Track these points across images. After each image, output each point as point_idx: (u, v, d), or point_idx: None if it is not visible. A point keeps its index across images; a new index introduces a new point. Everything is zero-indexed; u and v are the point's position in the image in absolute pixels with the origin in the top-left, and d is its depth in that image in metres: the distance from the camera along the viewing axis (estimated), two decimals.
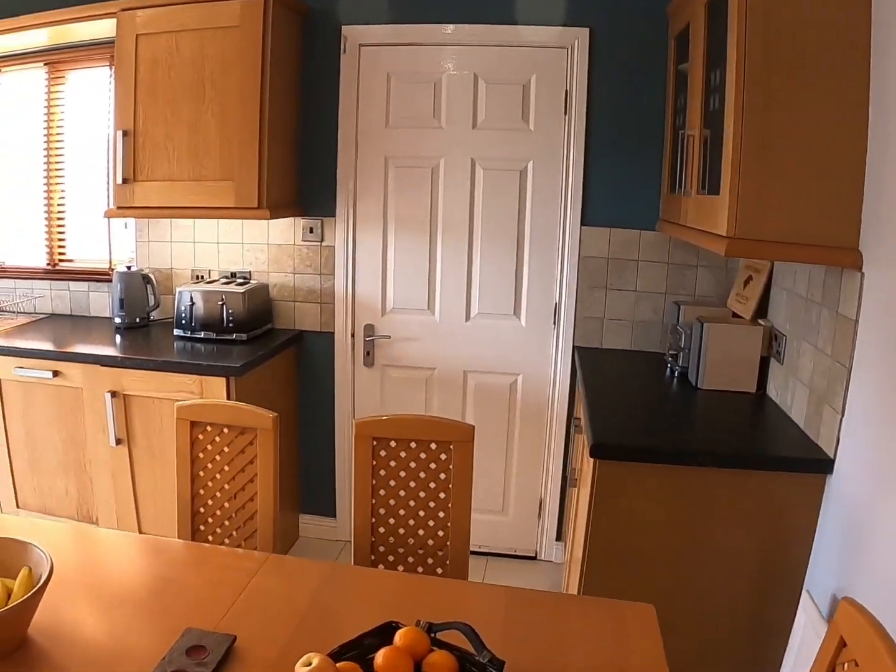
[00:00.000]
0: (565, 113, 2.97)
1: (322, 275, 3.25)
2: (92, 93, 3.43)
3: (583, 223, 3.02)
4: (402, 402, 3.27)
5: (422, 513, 2.01)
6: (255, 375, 2.92)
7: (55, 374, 2.95)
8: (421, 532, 2.02)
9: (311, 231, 3.22)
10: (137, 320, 3.31)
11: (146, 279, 3.29)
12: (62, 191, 3.61)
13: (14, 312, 3.61)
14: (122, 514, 3.01)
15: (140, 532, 3.03)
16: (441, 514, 2.00)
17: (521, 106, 3.00)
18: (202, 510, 2.10)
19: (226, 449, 2.09)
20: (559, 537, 3.31)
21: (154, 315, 3.38)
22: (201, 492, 2.10)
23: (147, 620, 1.52)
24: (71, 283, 3.57)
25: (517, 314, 3.17)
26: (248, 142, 2.77)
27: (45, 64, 3.56)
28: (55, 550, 1.56)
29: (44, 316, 3.59)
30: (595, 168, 2.98)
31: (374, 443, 2.01)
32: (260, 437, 2.05)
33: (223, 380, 2.77)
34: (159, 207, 2.95)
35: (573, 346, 3.12)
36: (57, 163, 3.59)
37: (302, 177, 3.19)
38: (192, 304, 3.10)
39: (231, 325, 3.11)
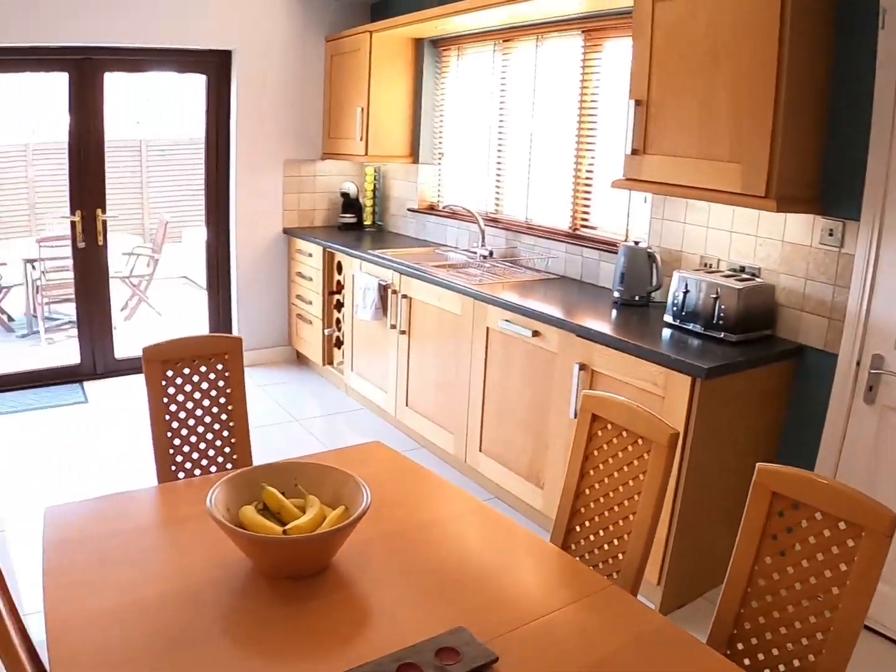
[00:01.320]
0: None
1: (836, 286, 2.70)
2: (625, 62, 3.39)
3: None
4: None
5: None
6: (730, 383, 2.60)
7: (535, 333, 3.08)
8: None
9: (831, 234, 2.68)
10: (636, 298, 3.23)
11: (651, 257, 3.19)
12: (591, 157, 3.71)
13: (528, 269, 3.90)
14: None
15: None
16: None
17: None
18: (582, 510, 1.96)
19: (620, 454, 1.90)
20: None
21: (655, 296, 3.27)
22: (586, 491, 1.96)
23: (435, 599, 1.50)
24: (585, 249, 3.68)
25: None
26: (759, 122, 2.40)
27: (581, 31, 3.66)
28: (432, 502, 1.63)
29: (553, 277, 3.79)
30: None
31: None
32: (654, 452, 1.80)
33: (688, 379, 2.52)
34: (663, 183, 2.79)
35: None
36: (588, 130, 3.70)
37: (825, 170, 2.66)
38: (686, 291, 2.89)
39: (721, 321, 2.81)
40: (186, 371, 2.22)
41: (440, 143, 4.89)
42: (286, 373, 5.25)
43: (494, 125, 4.38)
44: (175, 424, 2.20)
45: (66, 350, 5.89)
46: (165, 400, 2.18)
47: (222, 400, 2.26)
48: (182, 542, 1.72)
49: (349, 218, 5.28)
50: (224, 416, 2.26)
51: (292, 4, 4.96)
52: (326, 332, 4.83)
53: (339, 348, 4.82)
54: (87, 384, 4.90)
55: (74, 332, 5.95)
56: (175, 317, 7.17)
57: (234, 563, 1.56)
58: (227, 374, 2.27)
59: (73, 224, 4.68)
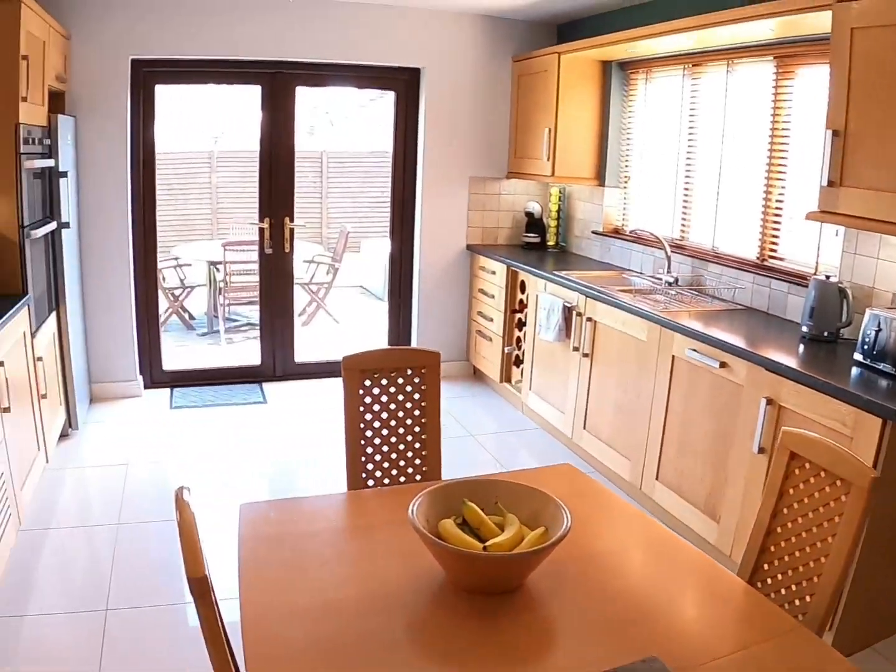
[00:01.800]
0: None
1: None
2: (819, 90, 3.28)
3: None
4: None
5: None
6: None
7: (722, 364, 3.05)
8: None
9: None
10: (825, 334, 3.12)
11: (842, 293, 3.06)
12: (782, 187, 3.60)
13: (714, 298, 3.84)
14: (744, 523, 2.97)
15: (730, 551, 2.99)
16: None
17: None
18: (772, 549, 1.95)
19: (816, 494, 1.87)
20: None
21: (844, 333, 3.14)
22: (778, 529, 1.94)
23: (625, 627, 1.54)
24: (773, 280, 3.57)
25: None
26: None
27: (773, 58, 3.56)
28: (617, 532, 1.70)
29: (740, 307, 3.70)
30: None
31: None
32: (852, 495, 1.76)
33: (879, 421, 2.42)
34: (860, 217, 2.68)
35: None
36: (779, 158, 3.60)
37: None
38: (879, 330, 2.76)
39: None
40: (384, 382, 2.34)
41: (626, 166, 4.91)
42: (463, 387, 5.45)
43: (683, 150, 4.35)
44: (369, 433, 2.32)
45: (244, 351, 6.41)
46: (361, 409, 2.31)
47: (416, 412, 2.37)
48: (374, 548, 1.82)
49: (532, 237, 5.41)
50: (417, 429, 2.37)
51: (480, 24, 5.17)
52: (506, 350, 4.99)
53: (518, 367, 4.95)
54: (266, 385, 5.30)
55: (253, 333, 6.43)
56: (351, 325, 7.61)
57: (427, 573, 1.64)
58: (423, 387, 2.38)
59: (261, 231, 5.12)
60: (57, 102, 4.26)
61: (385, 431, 2.35)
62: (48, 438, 3.70)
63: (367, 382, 2.32)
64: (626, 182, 4.93)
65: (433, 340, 5.50)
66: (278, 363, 5.38)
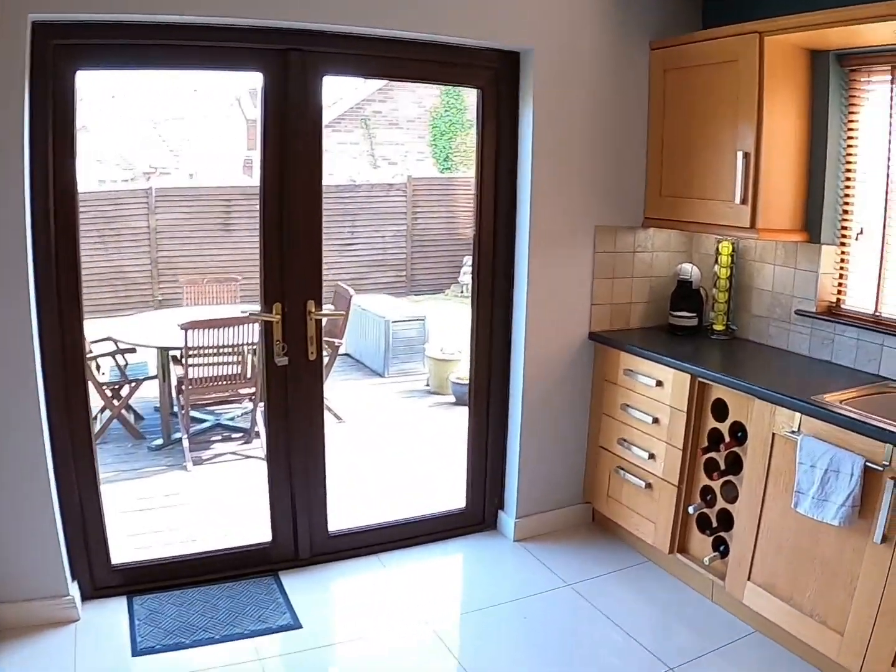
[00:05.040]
0: None
1: None
2: None
3: None
4: None
5: None
6: None
7: None
8: None
9: None
10: None
11: None
12: None
13: None
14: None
15: None
16: None
17: None
18: None
19: None
20: None
21: None
22: None
23: None
24: None
25: None
26: None
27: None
28: None
29: None
30: None
31: None
32: None
33: None
34: None
35: None
36: None
37: None
38: None
39: None
40: None
41: (847, 211, 3.16)
42: (583, 548, 3.55)
43: None
44: None
45: (222, 480, 4.42)
46: None
47: None
48: None
49: (687, 318, 3.58)
50: None
51: None
52: (691, 509, 3.10)
53: (708, 534, 3.09)
54: (287, 580, 3.19)
55: (232, 443, 4.47)
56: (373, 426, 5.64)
57: None
58: None
59: (266, 327, 3.11)
60: None
61: None
62: None
63: None
64: (844, 236, 3.18)
65: (537, 475, 3.59)
66: (302, 536, 3.29)
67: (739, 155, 3.04)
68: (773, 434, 2.72)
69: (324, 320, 3.25)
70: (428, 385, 6.55)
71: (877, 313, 3.04)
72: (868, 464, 2.37)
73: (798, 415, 2.62)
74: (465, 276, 10.85)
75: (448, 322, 8.37)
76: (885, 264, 3.02)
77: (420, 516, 3.60)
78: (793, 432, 2.63)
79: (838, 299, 3.24)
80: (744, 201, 3.05)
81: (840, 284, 3.23)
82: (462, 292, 10.91)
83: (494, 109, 3.34)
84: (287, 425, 3.18)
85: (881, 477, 2.36)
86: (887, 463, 2.34)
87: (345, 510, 3.67)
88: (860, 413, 2.47)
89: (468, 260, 10.83)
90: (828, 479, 2.47)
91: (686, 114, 3.34)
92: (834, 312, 3.22)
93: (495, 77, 3.30)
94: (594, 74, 3.37)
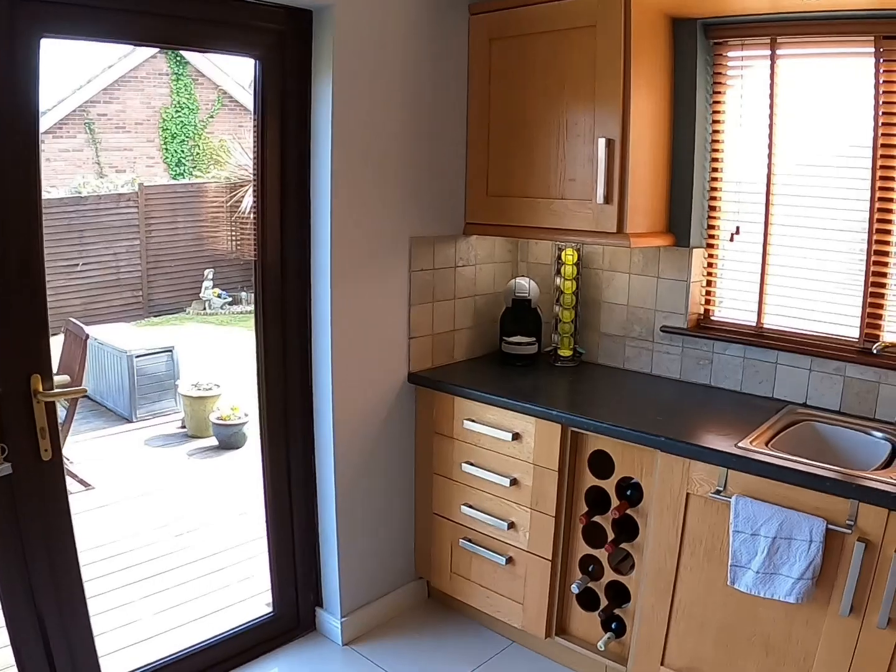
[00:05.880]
0: None
1: None
2: None
3: None
4: None
5: None
6: None
7: None
8: None
9: None
10: None
11: None
12: None
13: None
14: None
15: None
16: None
17: None
18: None
19: None
20: None
21: None
22: None
23: None
24: None
25: None
26: None
27: None
28: None
29: None
30: None
31: None
32: None
33: None
34: None
35: None
36: None
37: None
38: None
39: None
40: None
41: (714, 208, 2.73)
42: (436, 644, 2.76)
43: (861, 185, 2.31)
44: None
45: None
46: None
47: None
48: None
49: (525, 344, 2.93)
50: None
51: None
52: (575, 587, 2.42)
53: (594, 612, 2.44)
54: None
55: None
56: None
57: None
58: None
59: None
60: None
61: None
62: None
63: None
64: (713, 237, 2.75)
65: (362, 555, 2.75)
66: None
67: (601, 143, 2.43)
68: (688, 494, 2.14)
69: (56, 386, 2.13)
70: (184, 427, 5.37)
71: (759, 326, 2.62)
72: (830, 527, 1.86)
73: (722, 470, 2.05)
74: (207, 292, 9.69)
75: (199, 348, 7.18)
76: (768, 269, 2.60)
77: (216, 637, 2.59)
78: (717, 492, 2.06)
79: (706, 310, 2.79)
80: (608, 200, 2.45)
81: (709, 293, 2.78)
82: (205, 309, 9.72)
83: (279, 88, 2.42)
84: (23, 564, 2.03)
85: (844, 539, 1.86)
86: (852, 522, 1.84)
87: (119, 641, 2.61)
88: (807, 463, 1.96)
89: (210, 273, 9.72)
90: (777, 548, 1.93)
91: (520, 93, 2.66)
92: (708, 328, 2.76)
93: (279, 43, 2.40)
94: (410, 43, 2.60)
